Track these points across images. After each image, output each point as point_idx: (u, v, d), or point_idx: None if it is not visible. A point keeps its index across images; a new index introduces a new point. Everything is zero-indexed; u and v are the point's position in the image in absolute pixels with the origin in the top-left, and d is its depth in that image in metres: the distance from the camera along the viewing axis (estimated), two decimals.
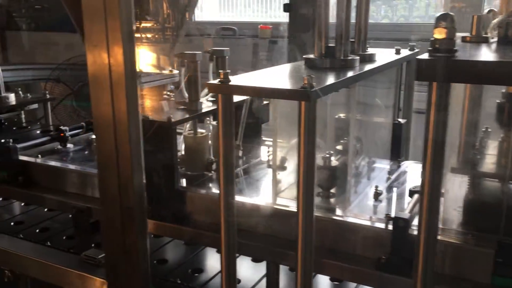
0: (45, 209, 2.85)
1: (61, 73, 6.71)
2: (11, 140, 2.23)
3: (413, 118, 2.25)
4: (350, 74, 1.53)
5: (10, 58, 8.32)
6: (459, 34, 1.36)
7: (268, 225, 1.67)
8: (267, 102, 2.51)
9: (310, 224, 1.33)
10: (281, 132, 1.73)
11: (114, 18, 1.30)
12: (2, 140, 2.50)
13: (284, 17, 6.65)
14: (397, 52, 2.06)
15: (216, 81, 1.36)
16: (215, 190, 1.86)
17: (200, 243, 1.97)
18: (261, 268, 2.03)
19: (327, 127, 1.87)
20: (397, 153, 2.10)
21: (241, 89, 1.31)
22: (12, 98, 2.93)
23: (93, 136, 2.61)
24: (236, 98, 2.19)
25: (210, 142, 2.08)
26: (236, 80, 1.37)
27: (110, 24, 1.31)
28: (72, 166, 2.19)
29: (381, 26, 5.30)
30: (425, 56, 1.09)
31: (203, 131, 2.06)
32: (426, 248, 1.19)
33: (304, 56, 1.75)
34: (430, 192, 1.15)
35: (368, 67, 1.69)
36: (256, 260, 2.13)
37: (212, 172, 2.03)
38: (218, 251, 2.27)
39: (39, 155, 2.29)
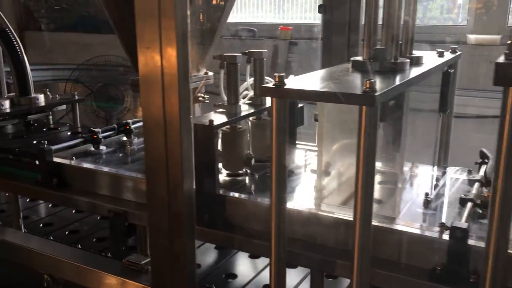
0: (73, 211, 2.85)
1: (80, 74, 6.73)
2: (45, 142, 2.21)
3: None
4: (403, 77, 1.48)
5: (29, 58, 8.37)
6: None
7: (312, 232, 1.62)
8: (302, 105, 2.47)
9: (367, 233, 1.28)
10: (327, 136, 1.69)
11: (168, 17, 1.26)
12: (34, 141, 2.50)
13: (306, 18, 6.60)
14: (440, 54, 2.01)
15: (270, 85, 1.32)
16: (254, 194, 1.82)
17: (243, 251, 1.91)
18: (294, 274, 2.01)
19: None
20: (442, 158, 2.06)
21: (298, 93, 1.27)
22: (41, 99, 2.92)
23: (124, 138, 2.60)
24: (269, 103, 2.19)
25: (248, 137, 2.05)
26: (289, 83, 1.33)
27: (164, 24, 1.27)
28: (107, 169, 2.16)
29: None
30: (501, 60, 1.04)
31: (240, 125, 2.04)
32: (495, 262, 1.14)
33: (351, 59, 1.70)
34: (502, 201, 1.10)
35: (418, 70, 1.64)
36: (290, 265, 2.10)
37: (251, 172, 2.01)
38: (251, 256, 2.24)
39: (73, 157, 2.26)
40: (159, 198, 1.43)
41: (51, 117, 3.06)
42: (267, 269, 2.12)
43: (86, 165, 2.22)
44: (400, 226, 1.53)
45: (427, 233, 1.49)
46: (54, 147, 2.23)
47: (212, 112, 2.01)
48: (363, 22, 2.53)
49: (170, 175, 1.39)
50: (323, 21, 2.56)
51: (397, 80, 1.42)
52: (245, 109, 2.06)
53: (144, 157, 1.50)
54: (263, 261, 2.18)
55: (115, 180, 2.10)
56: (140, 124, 2.70)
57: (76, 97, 3.06)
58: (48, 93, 3.05)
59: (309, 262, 1.55)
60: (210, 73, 2.32)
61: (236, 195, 1.76)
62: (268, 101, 2.19)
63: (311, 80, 1.48)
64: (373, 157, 1.23)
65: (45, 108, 2.91)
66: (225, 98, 2.03)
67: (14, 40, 2.82)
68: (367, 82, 1.19)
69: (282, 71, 2.14)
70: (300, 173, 2.12)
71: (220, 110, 2.02)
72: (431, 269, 1.43)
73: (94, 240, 2.60)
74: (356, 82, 1.46)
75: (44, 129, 2.82)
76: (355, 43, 2.51)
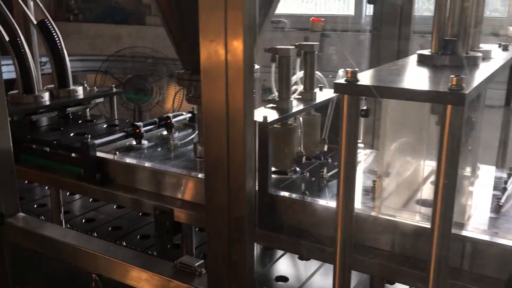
0: (114, 206, 2.81)
1: (109, 65, 6.71)
2: (89, 136, 2.15)
3: None
4: (483, 73, 1.37)
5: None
6: None
7: (374, 236, 1.53)
8: None
9: (446, 242, 1.19)
10: (390, 135, 1.59)
11: (235, 10, 1.18)
12: (75, 135, 2.46)
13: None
14: (505, 48, 1.89)
15: (342, 81, 1.23)
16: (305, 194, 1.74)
17: (299, 254, 1.82)
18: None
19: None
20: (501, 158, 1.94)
21: (375, 90, 1.17)
22: (80, 91, 2.88)
23: (165, 132, 2.54)
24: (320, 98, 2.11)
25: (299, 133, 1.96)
26: (361, 80, 1.24)
27: (231, 16, 1.19)
28: (151, 165, 2.10)
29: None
30: None
31: (291, 122, 1.95)
32: None
33: (418, 52, 1.60)
34: None
35: (492, 64, 1.53)
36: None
37: (300, 170, 1.93)
38: (300, 258, 2.16)
39: (116, 152, 2.21)
40: (219, 200, 1.36)
41: (87, 110, 3.02)
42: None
43: (130, 160, 2.16)
44: (471, 232, 1.43)
45: (502, 241, 1.39)
46: (97, 141, 2.18)
47: (263, 108, 1.93)
48: (416, 14, 2.43)
49: (232, 176, 1.31)
50: (374, 12, 2.45)
51: (479, 76, 1.32)
52: (295, 104, 1.97)
53: (204, 156, 1.42)
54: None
55: (160, 177, 2.03)
56: (180, 118, 2.64)
57: (114, 89, 3.01)
58: (86, 85, 3.01)
59: (371, 268, 1.47)
60: (257, 66, 2.23)
61: (292, 195, 1.68)
62: (319, 96, 2.10)
63: (380, 76, 1.39)
64: (456, 160, 1.14)
65: (84, 101, 2.87)
66: (276, 93, 1.95)
67: (53, 31, 2.77)
68: (454, 78, 1.09)
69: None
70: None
71: (271, 105, 1.94)
72: (507, 280, 1.33)
73: (138, 237, 2.56)
74: (435, 79, 1.36)
75: (82, 122, 2.77)
76: (406, 36, 2.40)
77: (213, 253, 1.41)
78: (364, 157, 2.15)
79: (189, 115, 2.69)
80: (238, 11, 1.18)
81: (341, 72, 2.12)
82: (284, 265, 2.14)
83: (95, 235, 2.56)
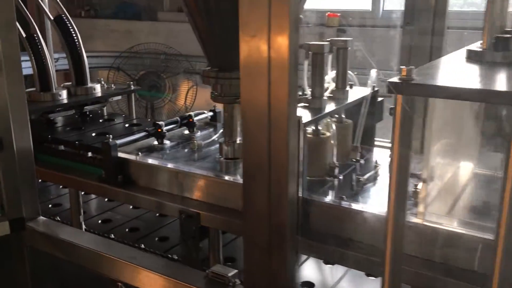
0: (130, 207, 2.73)
1: (121, 62, 6.63)
2: (110, 136, 2.07)
3: None
4: None
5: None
6: None
7: (420, 245, 1.43)
8: (382, 98, 2.27)
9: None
10: (435, 137, 1.49)
11: (281, 3, 1.08)
12: (95, 134, 2.37)
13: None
14: None
15: (396, 79, 1.13)
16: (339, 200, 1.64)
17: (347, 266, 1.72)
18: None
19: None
20: None
21: (435, 90, 1.07)
22: (98, 89, 2.79)
23: (186, 132, 2.45)
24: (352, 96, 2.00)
25: (333, 143, 1.86)
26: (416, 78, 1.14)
27: (275, 10, 1.09)
28: (175, 166, 2.01)
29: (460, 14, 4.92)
30: None
31: (323, 131, 1.85)
32: None
33: (466, 48, 1.49)
34: None
35: None
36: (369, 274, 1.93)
37: (334, 178, 1.81)
38: (326, 262, 2.06)
39: (139, 153, 2.12)
40: (259, 206, 1.26)
41: (105, 108, 2.93)
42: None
43: (152, 161, 2.07)
44: None
45: None
46: (118, 142, 2.09)
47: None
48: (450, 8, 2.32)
49: (273, 180, 1.22)
50: (405, 7, 2.34)
51: None
52: (328, 103, 1.88)
53: (242, 158, 1.33)
54: None
55: (185, 179, 1.95)
56: (202, 116, 2.54)
57: (132, 87, 2.92)
58: (103, 82, 2.93)
59: (421, 281, 1.37)
60: None
61: (327, 200, 1.58)
62: (351, 95, 2.00)
63: (431, 74, 1.28)
64: None
65: (102, 99, 2.78)
66: (308, 92, 1.85)
67: (70, 27, 2.69)
68: None
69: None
70: (379, 174, 1.91)
71: (302, 104, 1.84)
72: None
73: (156, 239, 2.48)
74: (497, 77, 1.26)
75: (102, 121, 2.69)
76: (440, 31, 2.28)
77: (251, 262, 1.32)
78: None
79: (211, 113, 2.60)
80: (284, 4, 1.08)
81: (373, 72, 2.03)
82: (310, 269, 2.06)
83: (112, 237, 2.48)
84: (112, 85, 2.95)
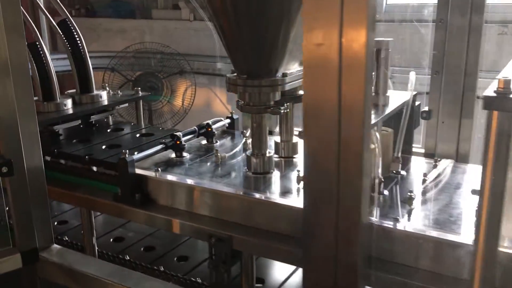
0: None
1: (116, 62, 6.40)
2: (126, 151, 1.88)
3: None
4: None
5: (60, 46, 8.09)
6: None
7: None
8: (419, 103, 2.10)
9: None
10: None
11: None
12: (106, 147, 2.18)
13: None
14: None
15: (490, 92, 0.96)
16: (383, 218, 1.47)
17: None
18: None
19: None
20: None
21: None
22: (104, 96, 2.60)
23: (204, 142, 2.26)
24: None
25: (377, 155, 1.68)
26: None
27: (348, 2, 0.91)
28: (199, 183, 1.83)
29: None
30: None
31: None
32: None
33: None
34: None
35: None
36: None
37: (379, 194, 1.64)
38: None
39: (158, 169, 1.93)
40: (324, 238, 1.08)
41: (110, 116, 2.73)
42: None
43: (174, 178, 1.89)
44: None
45: None
46: (135, 157, 1.90)
47: None
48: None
49: (343, 206, 1.03)
50: (438, 0, 2.17)
51: None
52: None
53: (304, 179, 1.14)
54: None
55: (212, 198, 1.77)
56: (220, 124, 2.36)
57: (140, 93, 2.73)
58: (108, 88, 2.73)
59: None
60: None
61: (386, 223, 1.40)
62: (393, 102, 1.83)
63: None
64: None
65: (109, 107, 2.59)
66: None
67: (75, 33, 2.49)
68: None
69: None
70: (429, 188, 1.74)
71: None
72: None
73: (175, 259, 2.30)
74: None
75: (111, 131, 2.49)
76: (477, 27, 2.12)
77: None
78: (440, 169, 1.88)
79: (228, 120, 2.41)
80: None
81: (412, 75, 1.85)
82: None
83: (128, 258, 2.30)
84: (119, 91, 2.75)
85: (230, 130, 2.42)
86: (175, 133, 2.09)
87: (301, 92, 1.96)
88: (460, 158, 2.27)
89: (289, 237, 1.61)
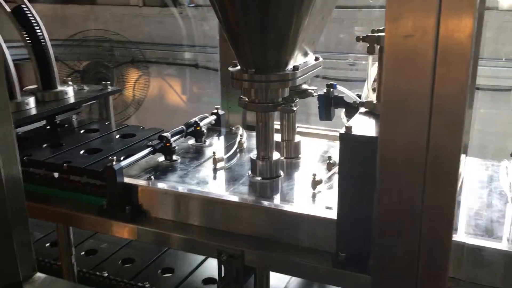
0: None
1: (58, 51, 5.95)
2: (114, 158, 1.63)
3: None
4: None
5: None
6: None
7: None
8: None
9: None
10: None
11: None
12: (83, 152, 1.91)
13: None
14: None
15: None
16: None
17: None
18: None
19: None
20: None
21: None
22: (70, 92, 2.31)
23: (191, 142, 2.05)
24: None
25: None
26: None
27: None
28: (202, 191, 1.63)
29: None
30: None
31: None
32: None
33: None
34: None
35: None
36: None
37: None
38: None
39: (151, 176, 1.71)
40: (399, 263, 0.92)
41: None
42: None
43: (170, 186, 1.67)
44: None
45: None
46: (123, 164, 1.67)
47: (357, 114, 1.49)
48: None
49: (426, 228, 0.87)
50: None
51: None
52: None
53: (377, 196, 0.97)
54: None
55: (219, 208, 1.57)
56: (207, 121, 2.14)
57: (109, 88, 2.45)
58: (70, 82, 2.43)
59: None
60: (320, 58, 1.78)
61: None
62: None
63: None
64: None
65: (77, 105, 2.30)
66: (372, 95, 1.52)
67: (33, 21, 2.18)
68: None
69: None
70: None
71: (364, 110, 1.51)
72: None
73: (159, 271, 2.09)
74: None
75: (82, 132, 2.20)
76: (479, 14, 2.02)
77: None
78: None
79: (213, 117, 2.19)
80: None
81: None
82: None
83: (106, 274, 2.06)
84: (84, 86, 2.46)
85: (216, 128, 2.21)
86: (163, 134, 1.86)
87: (305, 86, 1.78)
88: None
89: (311, 250, 1.45)
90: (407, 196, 0.87)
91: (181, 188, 1.64)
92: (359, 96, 1.86)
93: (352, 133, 1.30)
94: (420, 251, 0.89)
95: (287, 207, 1.51)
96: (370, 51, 1.47)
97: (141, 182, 1.68)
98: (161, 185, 1.68)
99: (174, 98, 6.22)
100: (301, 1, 1.46)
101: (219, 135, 2.18)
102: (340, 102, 1.91)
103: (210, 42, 5.48)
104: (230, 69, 1.62)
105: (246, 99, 1.65)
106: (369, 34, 1.45)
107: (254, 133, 2.15)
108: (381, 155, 0.91)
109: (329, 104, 1.90)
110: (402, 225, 0.91)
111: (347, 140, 1.30)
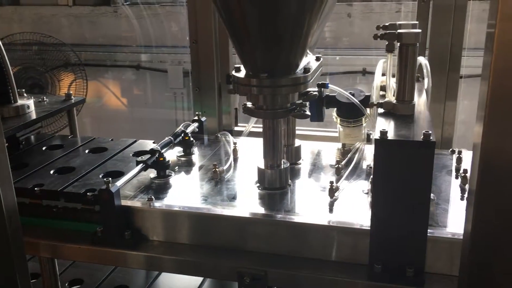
0: None
1: None
2: (109, 179, 1.45)
3: None
4: None
5: None
6: None
7: None
8: None
9: None
10: None
11: None
12: (47, 172, 1.70)
13: None
14: None
15: None
16: None
17: None
18: None
19: None
20: None
21: None
22: (31, 106, 2.06)
23: (179, 153, 1.89)
24: None
25: None
26: None
27: None
28: (210, 209, 1.49)
29: None
30: None
31: None
32: None
33: None
34: None
35: None
36: None
37: None
38: None
39: (152, 197, 1.54)
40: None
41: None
42: None
43: (174, 206, 1.51)
44: None
45: None
46: (118, 184, 1.49)
47: (379, 117, 1.42)
48: None
49: None
50: None
51: None
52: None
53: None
54: None
55: (234, 226, 1.44)
56: (190, 129, 1.98)
57: (73, 99, 2.22)
58: (25, 94, 2.18)
59: None
60: (321, 58, 1.68)
61: None
62: None
63: None
64: None
65: (41, 120, 2.06)
66: (391, 96, 1.45)
67: None
68: None
69: None
70: None
71: (382, 111, 1.44)
72: None
73: None
74: None
75: (44, 148, 1.97)
76: (462, 5, 2.01)
77: None
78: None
79: (196, 124, 2.04)
80: None
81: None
82: None
83: None
84: (44, 97, 2.22)
85: (198, 135, 2.06)
86: (153, 148, 1.69)
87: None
88: (444, 143, 2.19)
89: (339, 264, 1.36)
90: (510, 211, 0.80)
91: (190, 207, 1.49)
92: (353, 95, 1.80)
93: (389, 138, 1.22)
94: None
95: (309, 219, 1.40)
96: (390, 49, 1.40)
97: (139, 204, 1.51)
98: (166, 205, 1.52)
99: (114, 101, 5.91)
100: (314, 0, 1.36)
101: (202, 143, 2.04)
102: (332, 101, 1.84)
103: (153, 41, 5.24)
104: (234, 74, 1.48)
105: (251, 105, 1.52)
106: (388, 31, 1.37)
107: (240, 138, 2.05)
108: (483, 165, 0.83)
109: (320, 105, 1.83)
110: (500, 242, 0.83)
111: (384, 145, 1.22)
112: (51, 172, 1.73)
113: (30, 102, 2.06)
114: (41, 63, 5.58)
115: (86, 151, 1.93)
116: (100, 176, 1.66)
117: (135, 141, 1.99)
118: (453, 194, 1.55)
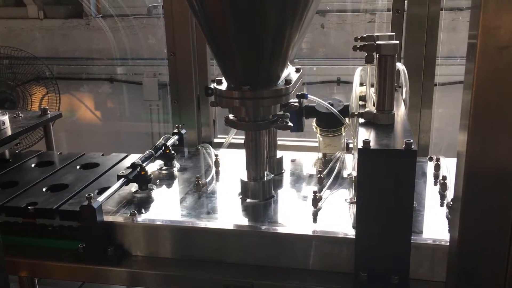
0: None
1: None
2: (91, 194, 1.44)
3: None
4: None
5: None
6: None
7: None
8: None
9: None
10: None
11: None
12: (39, 190, 1.67)
13: None
14: None
15: None
16: None
17: None
18: None
19: None
20: None
21: None
22: (6, 122, 2.02)
23: (158, 166, 1.88)
24: None
25: None
26: None
27: None
28: (196, 222, 1.48)
29: None
30: None
31: None
32: None
33: None
34: None
35: None
36: None
37: None
38: None
39: (135, 211, 1.53)
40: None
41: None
42: None
43: (157, 220, 1.50)
44: None
45: None
46: (100, 199, 1.47)
47: (360, 126, 1.44)
48: None
49: None
50: None
51: None
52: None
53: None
54: None
55: (219, 239, 1.43)
56: (171, 141, 1.97)
57: (49, 113, 2.19)
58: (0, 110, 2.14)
59: None
60: (301, 70, 1.70)
61: None
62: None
63: None
64: None
65: (18, 136, 2.02)
66: (371, 106, 1.47)
67: None
68: None
69: None
70: None
71: (363, 121, 1.46)
72: None
73: None
74: None
75: (33, 166, 1.93)
76: (435, 15, 2.07)
77: None
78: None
79: (176, 137, 2.03)
80: None
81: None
82: None
83: None
84: (19, 113, 2.18)
85: (179, 148, 2.05)
86: (136, 162, 1.68)
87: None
88: (420, 150, 2.22)
89: (322, 273, 1.37)
90: (495, 216, 0.82)
91: (173, 221, 1.48)
92: (332, 105, 1.82)
93: (371, 147, 1.24)
94: (507, 278, 0.84)
95: (294, 230, 1.41)
96: (369, 60, 1.42)
97: (122, 219, 1.50)
98: (149, 219, 1.50)
99: (88, 115, 5.83)
100: (295, 13, 1.38)
101: (183, 156, 2.03)
102: (312, 112, 1.86)
103: (129, 54, 5.20)
104: (216, 86, 1.49)
105: (233, 117, 1.53)
106: (367, 43, 1.40)
107: (220, 150, 2.04)
108: (467, 172, 0.85)
109: (300, 115, 1.85)
110: (487, 247, 0.85)
111: (368, 154, 1.24)
112: (44, 189, 1.69)
113: (5, 118, 2.02)
114: (12, 77, 5.47)
115: (77, 167, 1.89)
116: (96, 192, 1.64)
117: (127, 156, 1.97)
118: (433, 200, 1.58)
